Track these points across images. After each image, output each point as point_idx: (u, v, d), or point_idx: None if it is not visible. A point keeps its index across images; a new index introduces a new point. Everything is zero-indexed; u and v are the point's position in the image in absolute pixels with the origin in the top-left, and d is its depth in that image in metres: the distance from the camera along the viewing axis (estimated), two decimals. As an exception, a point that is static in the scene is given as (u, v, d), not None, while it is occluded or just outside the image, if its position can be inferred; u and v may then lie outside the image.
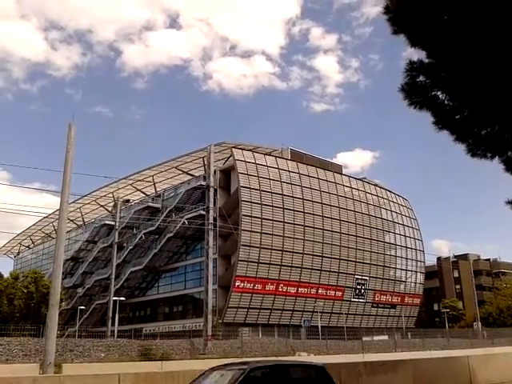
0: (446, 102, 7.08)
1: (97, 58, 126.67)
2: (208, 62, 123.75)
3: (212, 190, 22.63)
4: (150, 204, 55.20)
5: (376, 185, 56.99)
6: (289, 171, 47.81)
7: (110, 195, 56.27)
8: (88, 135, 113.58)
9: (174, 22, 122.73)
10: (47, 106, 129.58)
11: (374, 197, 54.85)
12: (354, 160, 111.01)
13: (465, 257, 68.02)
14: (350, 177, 55.19)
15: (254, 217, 43.66)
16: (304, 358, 19.20)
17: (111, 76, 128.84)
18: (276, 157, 48.64)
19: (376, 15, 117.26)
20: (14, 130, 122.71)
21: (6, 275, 50.29)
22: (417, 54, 6.90)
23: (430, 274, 62.17)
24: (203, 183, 40.14)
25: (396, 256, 55.19)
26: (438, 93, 7.04)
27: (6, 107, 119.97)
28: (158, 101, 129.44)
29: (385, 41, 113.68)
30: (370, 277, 51.11)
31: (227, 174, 48.10)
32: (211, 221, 22.35)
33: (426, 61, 6.84)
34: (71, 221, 63.99)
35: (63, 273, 24.24)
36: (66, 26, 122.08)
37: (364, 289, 50.88)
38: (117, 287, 46.72)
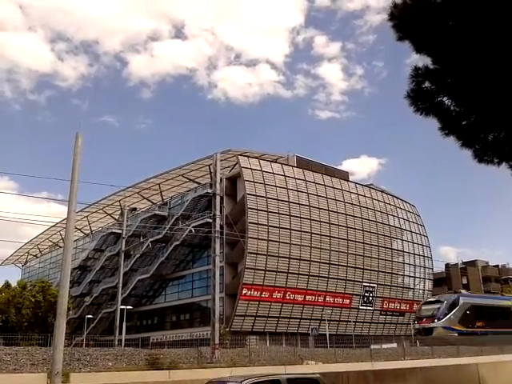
0: (452, 107, 7.05)
1: (103, 69, 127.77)
2: (213, 71, 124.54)
3: (218, 197, 22.64)
4: (157, 212, 55.30)
5: (383, 191, 56.80)
6: (295, 178, 47.78)
7: (117, 204, 56.45)
8: (95, 144, 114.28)
9: (179, 32, 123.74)
10: (54, 117, 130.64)
11: (381, 203, 54.65)
12: (360, 167, 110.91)
13: (473, 263, 67.53)
14: (356, 183, 55.04)
15: (260, 224, 43.60)
16: (312, 366, 19.08)
17: (117, 86, 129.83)
18: (282, 164, 48.63)
19: (379, 23, 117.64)
20: (21, 140, 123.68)
21: (14, 284, 50.44)
22: (422, 61, 6.90)
23: (438, 280, 61.71)
24: (209, 191, 40.14)
25: (404, 263, 54.88)
26: (444, 99, 7.01)
27: (14, 118, 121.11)
28: (163, 110, 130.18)
29: (389, 48, 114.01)
30: (377, 284, 50.82)
31: (233, 181, 48.12)
32: (218, 228, 22.33)
33: (432, 67, 6.82)
34: (78, 229, 64.21)
35: (71, 282, 24.29)
36: (73, 37, 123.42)
37: (372, 296, 50.58)
38: (124, 296, 46.70)
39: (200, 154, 56.88)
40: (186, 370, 16.45)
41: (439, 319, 35.37)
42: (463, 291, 42.33)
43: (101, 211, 61.64)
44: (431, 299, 39.56)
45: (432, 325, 35.48)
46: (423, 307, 38.62)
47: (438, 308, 36.34)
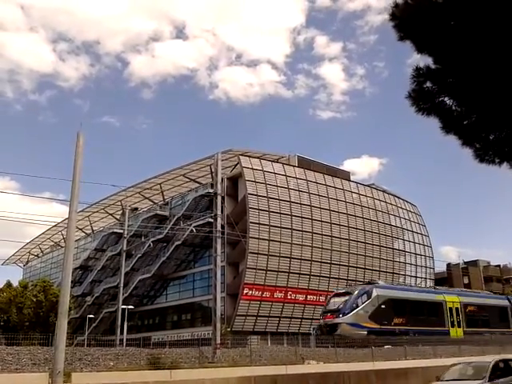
0: (453, 107, 7.05)
1: (104, 69, 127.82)
2: (214, 72, 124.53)
3: (219, 197, 22.62)
4: (158, 212, 55.36)
5: (384, 191, 56.77)
6: (296, 178, 47.78)
7: (118, 203, 56.53)
8: (96, 145, 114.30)
9: (180, 33, 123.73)
10: (56, 117, 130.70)
11: (383, 203, 54.63)
12: (361, 167, 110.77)
13: (475, 263, 67.43)
14: (357, 183, 55.04)
15: (261, 224, 43.62)
16: (313, 366, 19.07)
17: (119, 86, 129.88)
18: (283, 164, 48.63)
19: (380, 23, 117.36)
20: (23, 140, 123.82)
21: (16, 284, 50.50)
22: (423, 61, 6.89)
23: (439, 280, 61.55)
24: (211, 191, 40.09)
25: (405, 263, 54.89)
26: (446, 98, 7.00)
27: (16, 118, 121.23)
28: (165, 110, 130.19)
29: (389, 48, 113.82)
30: (379, 284, 50.72)
31: (235, 181, 48.15)
32: (219, 228, 22.31)
33: (433, 67, 6.82)
34: (80, 229, 64.30)
35: (72, 281, 24.31)
36: (74, 37, 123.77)
37: (373, 296, 50.42)
38: (125, 295, 46.74)
39: (201, 154, 56.89)
40: (188, 370, 16.44)
41: (344, 314, 29.21)
42: (381, 282, 36.43)
43: (102, 211, 61.75)
44: (341, 290, 33.56)
45: (336, 320, 29.21)
46: (331, 300, 32.40)
47: (346, 301, 30.36)
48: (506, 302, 39.44)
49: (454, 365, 14.50)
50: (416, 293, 35.20)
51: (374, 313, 29.41)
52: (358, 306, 29.47)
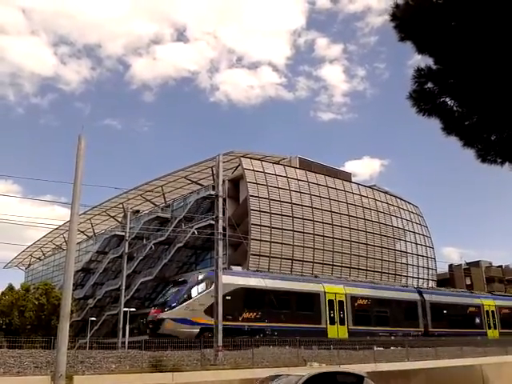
0: (454, 108, 7.04)
1: (106, 72, 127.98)
2: (215, 74, 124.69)
3: (221, 199, 22.58)
4: (160, 214, 55.34)
5: (386, 192, 56.73)
6: (297, 180, 47.75)
7: (120, 206, 56.52)
8: (98, 147, 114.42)
9: (181, 36, 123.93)
10: (57, 120, 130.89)
11: (384, 204, 54.57)
12: (363, 168, 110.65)
13: (477, 264, 67.31)
14: (359, 184, 54.99)
15: (263, 226, 43.59)
16: (315, 368, 19.02)
17: (120, 89, 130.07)
18: (285, 165, 48.62)
19: (381, 24, 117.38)
20: (25, 143, 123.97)
21: (17, 287, 50.49)
22: (424, 62, 6.89)
23: (441, 281, 61.46)
24: (212, 193, 40.13)
25: (407, 264, 54.78)
26: (447, 99, 7.00)
27: (17, 121, 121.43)
28: (166, 112, 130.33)
29: (390, 50, 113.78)
30: (381, 285, 50.64)
31: (236, 183, 48.13)
32: (220, 230, 22.26)
33: (434, 67, 6.82)
34: (81, 232, 64.34)
35: (74, 284, 24.30)
36: (76, 41, 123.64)
37: (375, 297, 50.31)
38: (127, 298, 46.69)
39: (202, 156, 56.93)
40: (190, 373, 16.44)
41: (171, 307, 23.75)
42: (236, 267, 30.05)
43: (104, 214, 61.76)
44: (180, 279, 27.55)
45: (160, 316, 23.87)
46: (169, 291, 27.69)
47: (178, 291, 25.14)
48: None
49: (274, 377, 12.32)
50: (281, 281, 28.32)
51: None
52: (190, 298, 23.81)
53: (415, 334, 30.92)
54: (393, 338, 28.23)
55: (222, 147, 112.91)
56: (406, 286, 38.94)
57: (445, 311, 34.14)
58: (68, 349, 13.89)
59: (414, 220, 57.73)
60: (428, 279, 56.57)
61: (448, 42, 6.32)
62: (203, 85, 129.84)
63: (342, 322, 27.97)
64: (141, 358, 17.67)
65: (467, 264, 68.15)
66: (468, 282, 66.85)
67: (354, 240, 49.30)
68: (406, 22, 6.45)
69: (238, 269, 29.51)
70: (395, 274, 52.37)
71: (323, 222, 47.50)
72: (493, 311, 37.25)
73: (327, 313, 27.65)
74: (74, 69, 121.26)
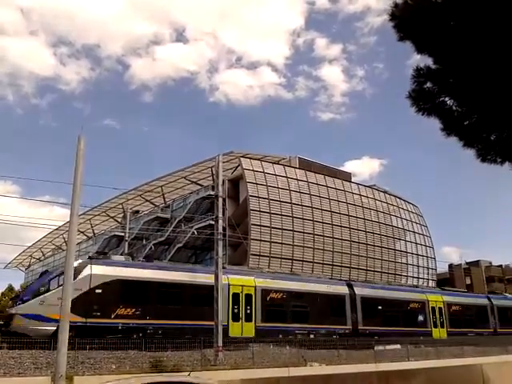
0: (454, 107, 7.04)
1: (105, 72, 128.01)
2: (214, 74, 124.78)
3: (221, 199, 22.62)
4: (159, 214, 55.31)
5: (385, 192, 56.71)
6: (297, 180, 47.74)
7: (120, 206, 56.50)
8: (97, 148, 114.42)
9: (180, 36, 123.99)
10: (57, 120, 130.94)
11: (384, 204, 54.57)
12: (362, 168, 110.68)
13: (476, 263, 67.32)
14: (358, 184, 54.98)
15: (263, 226, 43.58)
16: (315, 368, 19.05)
17: (119, 89, 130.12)
18: (284, 165, 48.61)
19: (380, 24, 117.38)
20: (24, 144, 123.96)
21: (17, 288, 50.55)
22: (423, 61, 6.89)
23: (441, 281, 61.46)
24: (212, 193, 40.15)
25: (407, 264, 54.76)
26: (446, 99, 7.00)
27: (17, 122, 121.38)
28: (165, 113, 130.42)
29: (389, 49, 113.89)
30: (381, 285, 50.64)
31: (236, 183, 48.11)
32: (220, 230, 22.27)
33: (433, 67, 6.81)
34: (81, 232, 64.30)
35: (74, 285, 24.17)
36: (75, 41, 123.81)
37: (375, 297, 50.29)
38: (127, 298, 46.63)
39: (202, 157, 56.86)
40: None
41: (23, 301, 20.77)
42: (118, 256, 27.28)
43: (103, 214, 61.73)
44: (59, 270, 22.49)
45: (12, 311, 21.06)
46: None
47: (36, 283, 22.71)
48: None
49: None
50: (183, 273, 24.80)
51: (80, 300, 19.69)
52: (48, 290, 20.71)
53: (342, 332, 27.98)
54: (312, 336, 25.91)
55: (222, 147, 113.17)
56: (331, 279, 35.42)
57: (379, 307, 30.83)
58: (68, 349, 13.89)
59: (413, 220, 57.72)
60: (428, 279, 56.55)
61: (447, 42, 6.32)
62: (202, 85, 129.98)
63: (248, 319, 24.99)
64: (141, 358, 17.68)
65: (467, 264, 68.18)
66: (468, 281, 66.88)
67: (354, 240, 49.27)
68: (405, 22, 6.45)
69: (121, 258, 25.97)
70: (395, 274, 52.35)
71: (323, 222, 47.49)
72: (440, 308, 33.94)
73: (230, 308, 24.41)
74: (74, 69, 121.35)
